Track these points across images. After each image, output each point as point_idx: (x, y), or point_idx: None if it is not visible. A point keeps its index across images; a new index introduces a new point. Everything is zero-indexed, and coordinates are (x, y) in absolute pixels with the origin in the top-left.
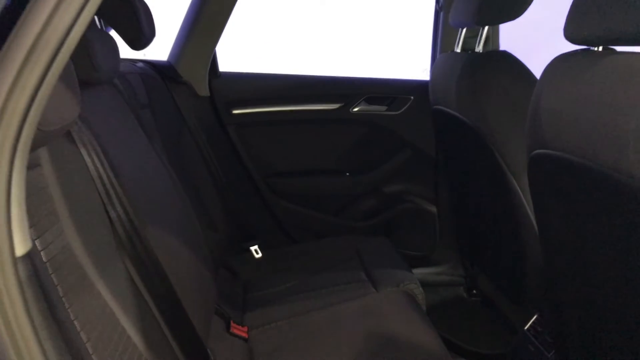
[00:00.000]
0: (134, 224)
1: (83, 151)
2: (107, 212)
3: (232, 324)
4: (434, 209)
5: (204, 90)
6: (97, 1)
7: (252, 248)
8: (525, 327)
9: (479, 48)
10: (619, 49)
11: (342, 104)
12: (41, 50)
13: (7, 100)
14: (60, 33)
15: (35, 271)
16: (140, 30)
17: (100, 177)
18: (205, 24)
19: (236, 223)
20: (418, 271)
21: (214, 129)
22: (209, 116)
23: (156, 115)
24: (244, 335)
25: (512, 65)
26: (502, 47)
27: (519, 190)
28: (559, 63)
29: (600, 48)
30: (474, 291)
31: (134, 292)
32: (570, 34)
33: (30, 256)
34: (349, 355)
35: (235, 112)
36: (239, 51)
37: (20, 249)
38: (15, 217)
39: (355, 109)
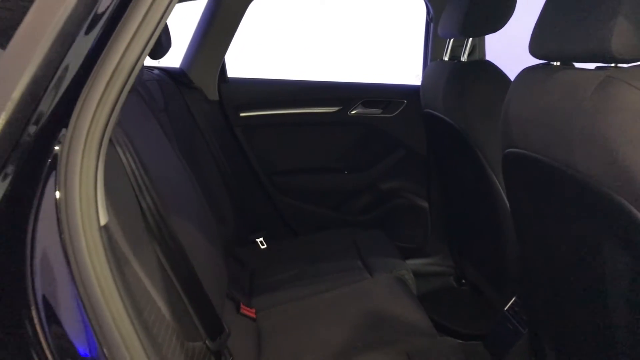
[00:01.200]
0: (160, 213)
1: (119, 150)
2: (139, 202)
3: (241, 305)
4: (425, 204)
5: (213, 95)
6: (153, 42)
7: (258, 240)
8: (505, 308)
9: (464, 57)
10: (577, 64)
11: (341, 107)
12: (118, 75)
13: (96, 110)
14: (130, 63)
15: (108, 238)
16: (159, 42)
17: (133, 173)
18: (215, 35)
19: (243, 217)
20: (411, 262)
21: (222, 131)
22: (218, 119)
23: (172, 119)
24: (252, 315)
25: (492, 73)
26: (494, 56)
27: (499, 186)
28: (525, 75)
29: (559, 63)
30: (463, 281)
31: (162, 271)
32: (533, 49)
33: (107, 226)
34: (346, 331)
35: (242, 114)
36: (244, 58)
37: (102, 220)
38: (99, 196)
39: (353, 112)
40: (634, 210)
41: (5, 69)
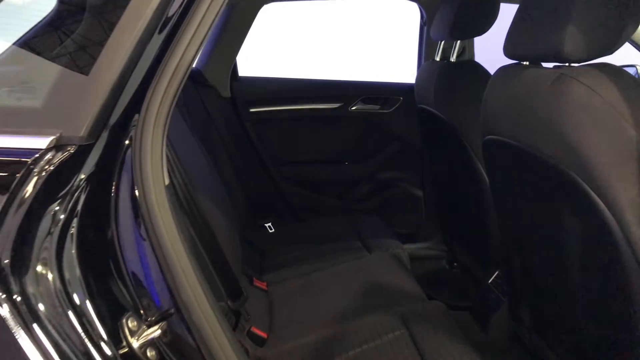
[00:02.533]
0: (189, 189)
1: None
2: (171, 178)
3: (254, 279)
4: (420, 192)
5: (226, 92)
6: (204, 44)
7: (267, 225)
8: (489, 281)
9: (453, 58)
10: (545, 64)
11: (342, 104)
12: (179, 70)
13: (162, 100)
14: (188, 61)
15: (170, 196)
16: None
17: (167, 153)
18: (228, 37)
19: (253, 204)
20: (406, 246)
21: (234, 125)
22: (230, 114)
23: (190, 113)
24: (264, 287)
25: (477, 72)
26: (484, 56)
27: (483, 172)
28: (499, 72)
29: (528, 62)
30: (455, 264)
31: (191, 239)
32: (506, 51)
33: (168, 186)
34: (346, 299)
35: (252, 110)
36: (254, 58)
37: (166, 181)
38: (164, 163)
39: (353, 108)
40: (582, 183)
41: (104, 61)
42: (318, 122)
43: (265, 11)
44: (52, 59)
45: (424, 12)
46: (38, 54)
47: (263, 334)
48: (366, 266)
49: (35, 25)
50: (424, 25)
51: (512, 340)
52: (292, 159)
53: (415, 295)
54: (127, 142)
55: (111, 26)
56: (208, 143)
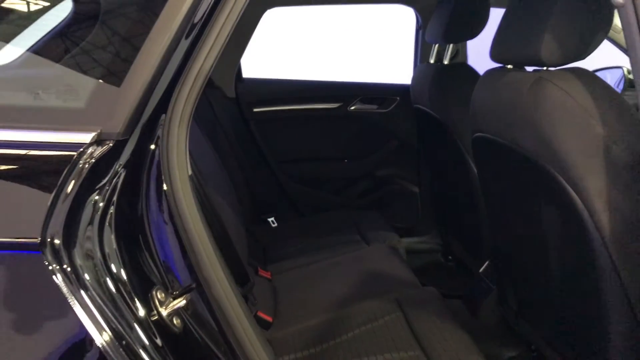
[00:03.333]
0: (200, 181)
1: None
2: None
3: (259, 269)
4: (416, 189)
5: (231, 93)
6: (222, 50)
7: (269, 219)
8: (480, 270)
9: (446, 60)
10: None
11: (341, 104)
12: (201, 73)
13: (186, 101)
14: (209, 65)
15: (193, 184)
16: None
17: None
18: (233, 40)
19: (257, 199)
20: (403, 240)
21: (239, 124)
22: (235, 113)
23: (198, 113)
24: (269, 276)
25: (468, 74)
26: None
27: (473, 168)
28: (486, 75)
29: (511, 66)
30: (450, 257)
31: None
32: (492, 55)
33: (191, 176)
34: (345, 286)
35: (255, 110)
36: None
37: (190, 171)
38: (187, 156)
39: (352, 108)
40: (557, 175)
41: (137, 67)
42: (318, 121)
43: (267, 15)
44: (92, 65)
45: (419, 16)
46: (80, 59)
47: (269, 318)
48: (364, 257)
49: (70, 30)
50: (420, 29)
51: (500, 325)
52: (293, 157)
53: (410, 283)
54: (156, 137)
55: (143, 31)
56: (214, 140)
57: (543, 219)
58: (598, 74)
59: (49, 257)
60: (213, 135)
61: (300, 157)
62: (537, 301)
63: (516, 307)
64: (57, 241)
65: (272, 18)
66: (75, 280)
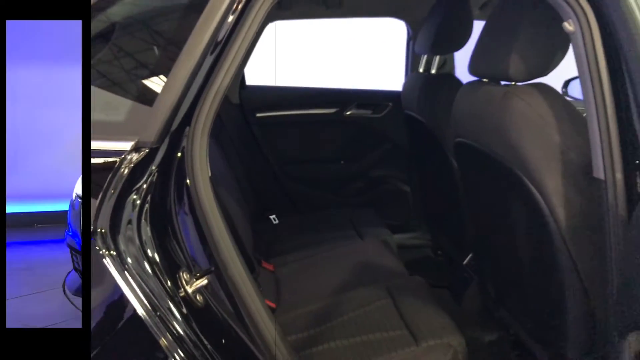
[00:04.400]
0: (211, 182)
1: None
2: None
3: (262, 262)
4: (407, 188)
5: (235, 99)
6: (240, 68)
7: (272, 217)
8: (464, 262)
9: (434, 70)
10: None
11: (338, 109)
12: (221, 89)
13: (207, 114)
14: (228, 81)
15: (212, 184)
16: None
17: None
18: None
19: (260, 198)
20: (395, 236)
21: (243, 128)
22: (239, 118)
23: None
24: (271, 268)
25: (452, 83)
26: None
27: (456, 169)
28: (465, 87)
29: (487, 80)
30: (439, 252)
31: None
32: (470, 69)
33: (210, 177)
34: (341, 276)
35: (258, 115)
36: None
37: (209, 173)
38: (208, 161)
39: (348, 113)
40: (522, 176)
41: (167, 87)
42: (316, 126)
43: (271, 27)
44: (129, 87)
45: (410, 29)
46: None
47: (272, 305)
48: (358, 250)
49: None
50: (410, 40)
51: (482, 311)
52: (293, 159)
53: (399, 273)
54: (182, 147)
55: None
56: (221, 144)
57: (512, 214)
58: (573, 82)
59: (99, 243)
60: (219, 138)
61: (300, 159)
62: (511, 289)
63: (495, 295)
64: (105, 230)
65: (274, 30)
66: (119, 263)
